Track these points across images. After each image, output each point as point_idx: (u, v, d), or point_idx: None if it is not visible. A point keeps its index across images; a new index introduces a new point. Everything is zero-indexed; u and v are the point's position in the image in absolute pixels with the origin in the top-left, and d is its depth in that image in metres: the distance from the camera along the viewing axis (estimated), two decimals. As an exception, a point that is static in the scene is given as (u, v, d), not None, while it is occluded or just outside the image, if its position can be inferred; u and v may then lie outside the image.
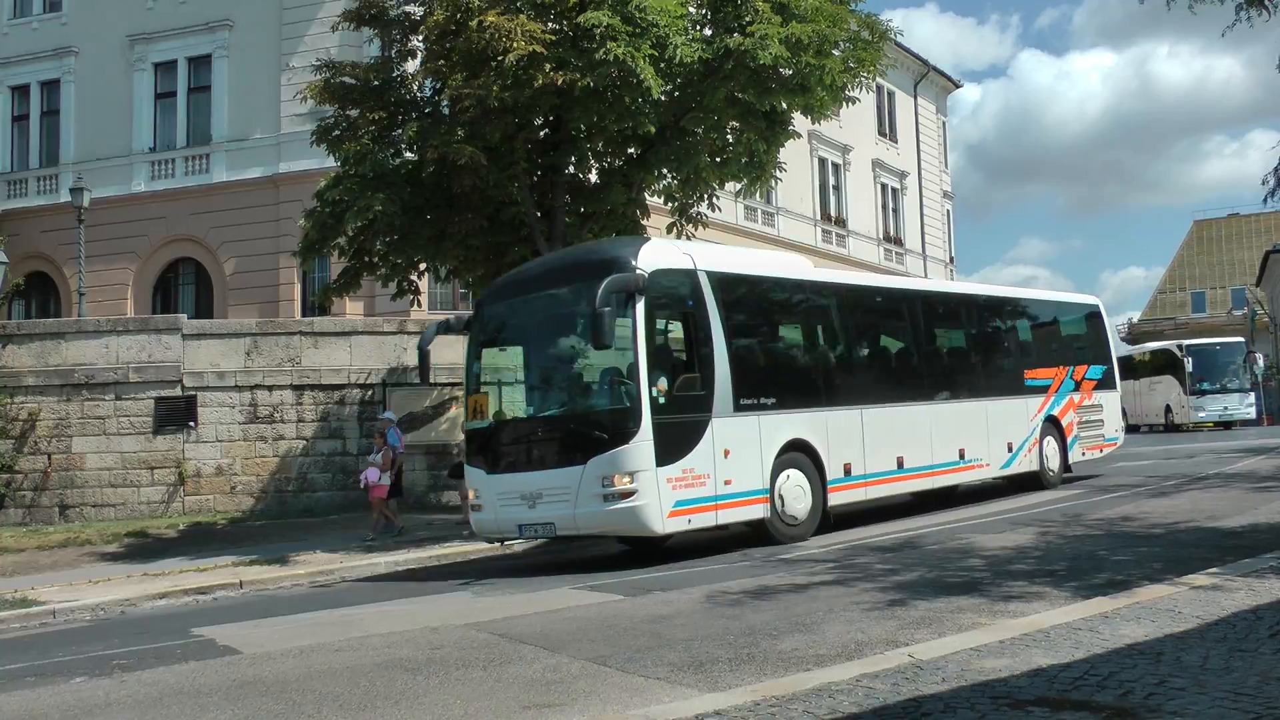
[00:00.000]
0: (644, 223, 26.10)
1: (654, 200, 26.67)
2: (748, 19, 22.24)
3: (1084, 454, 28.06)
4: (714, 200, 26.28)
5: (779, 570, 15.70)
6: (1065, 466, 27.23)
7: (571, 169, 25.20)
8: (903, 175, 66.42)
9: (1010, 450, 25.04)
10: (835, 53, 23.10)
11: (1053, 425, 26.79)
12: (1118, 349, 35.36)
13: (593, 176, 25.76)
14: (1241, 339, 65.52)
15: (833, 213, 60.19)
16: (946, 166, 74.93)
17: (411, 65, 25.29)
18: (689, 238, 26.46)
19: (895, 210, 66.17)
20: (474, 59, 21.85)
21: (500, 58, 21.03)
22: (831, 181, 60.20)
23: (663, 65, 21.65)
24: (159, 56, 43.83)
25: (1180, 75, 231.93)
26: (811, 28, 22.16)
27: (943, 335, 25.40)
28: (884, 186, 65.01)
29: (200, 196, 42.08)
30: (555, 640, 11.36)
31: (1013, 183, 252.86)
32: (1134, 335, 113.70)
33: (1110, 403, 29.60)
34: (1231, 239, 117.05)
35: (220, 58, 43.00)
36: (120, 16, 43.57)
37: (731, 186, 27.11)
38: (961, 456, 23.27)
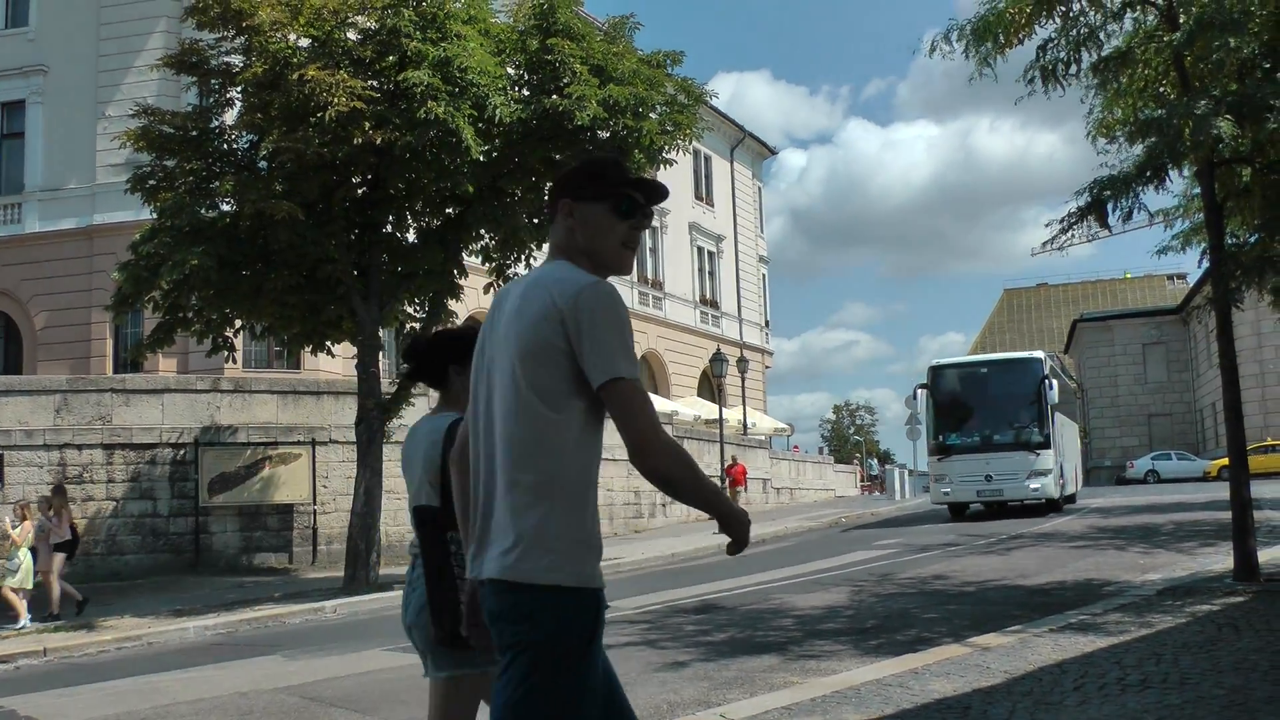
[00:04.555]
0: (461, 283, 26.08)
1: (472, 260, 26.66)
2: (565, 80, 22.40)
3: None
4: (531, 261, 26.31)
5: (594, 631, 15.71)
6: None
7: (390, 228, 25.11)
8: (719, 239, 67.08)
9: None
10: (652, 115, 23.34)
11: None
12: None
13: (411, 236, 25.68)
14: (1041, 354, 39.23)
15: (650, 275, 60.61)
16: (763, 231, 75.90)
17: (230, 116, 25.06)
18: (506, 298, 26.50)
19: (712, 273, 66.83)
20: (293, 113, 21.73)
21: (320, 113, 20.94)
22: (648, 244, 60.53)
23: (482, 125, 21.71)
24: (-31, 101, 42.74)
25: (1002, 148, 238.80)
26: (629, 90, 22.41)
27: None
28: (700, 250, 65.62)
29: (11, 247, 41.01)
30: (366, 703, 11.27)
31: (837, 247, 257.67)
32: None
33: None
34: (1040, 307, 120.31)
35: (34, 103, 42.01)
36: (-72, 60, 42.53)
37: (549, 247, 27.24)
38: None
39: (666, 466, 3.86)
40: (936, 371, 38.04)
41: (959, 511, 37.12)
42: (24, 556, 21.41)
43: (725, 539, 4.02)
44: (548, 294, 3.95)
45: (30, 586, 21.63)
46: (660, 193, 4.30)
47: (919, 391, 38.08)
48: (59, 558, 22.40)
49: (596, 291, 3.96)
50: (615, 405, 3.90)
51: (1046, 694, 9.13)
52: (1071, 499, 40.67)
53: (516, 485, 3.90)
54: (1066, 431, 41.39)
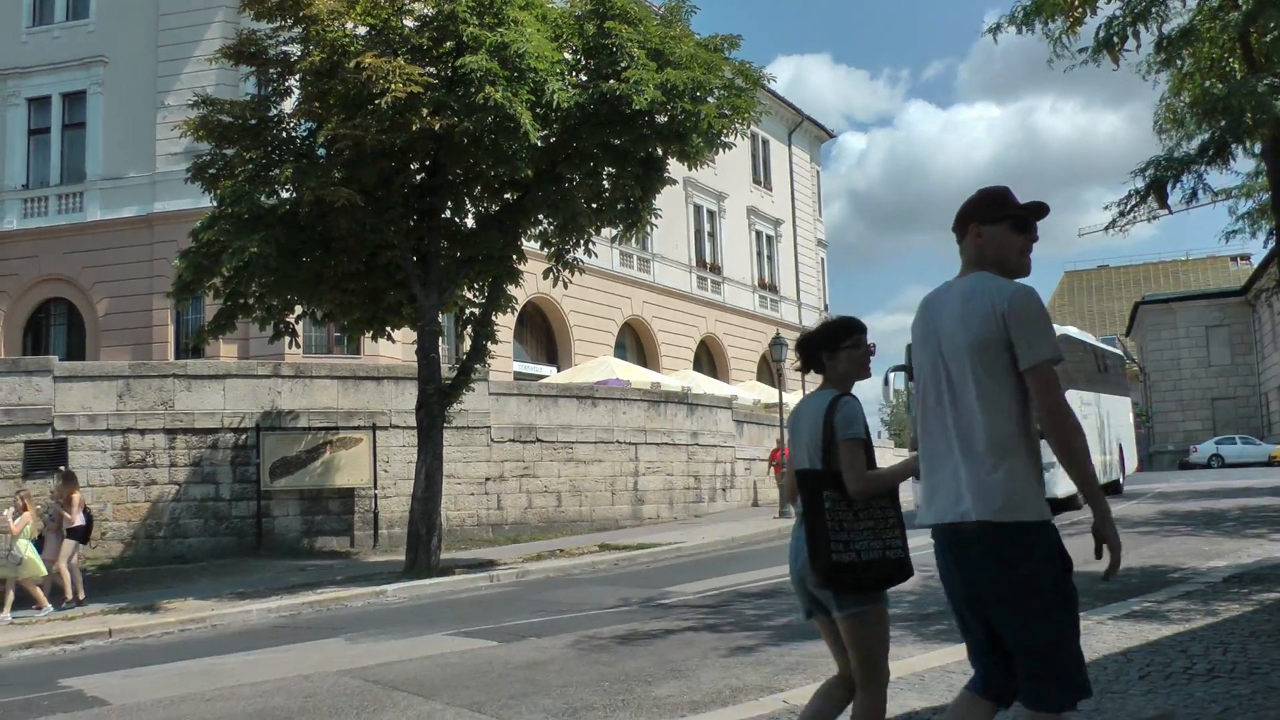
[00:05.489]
0: (520, 267, 26.09)
1: (530, 245, 26.67)
2: (623, 65, 22.33)
3: None
4: (590, 246, 26.30)
5: (654, 616, 15.72)
6: None
7: (448, 213, 25.14)
8: (777, 223, 66.91)
9: None
10: (710, 100, 23.24)
11: None
12: None
13: (469, 221, 25.71)
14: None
15: (708, 259, 60.55)
16: (820, 214, 75.53)
17: (288, 105, 25.13)
18: (566, 284, 26.50)
19: (770, 257, 66.62)
20: (351, 101, 21.76)
21: (377, 100, 20.98)
22: (707, 228, 60.54)
23: (539, 110, 21.70)
24: (33, 91, 43.20)
25: (1064, 129, 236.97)
26: (687, 74, 22.32)
27: None
28: (759, 234, 65.43)
29: (73, 235, 41.50)
30: (429, 687, 11.30)
31: (897, 231, 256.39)
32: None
33: None
34: (1102, 290, 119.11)
35: (95, 94, 42.45)
36: (-7, 51, 42.99)
37: (608, 232, 27.18)
38: None
39: (1071, 437, 4.93)
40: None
41: None
42: (23, 547, 21.52)
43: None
44: (988, 300, 5.08)
45: (43, 573, 21.77)
46: (1043, 211, 5.41)
47: (892, 375, 33.22)
48: (69, 544, 22.49)
49: (1024, 293, 5.10)
50: (1035, 384, 4.97)
51: (1112, 682, 9.03)
52: (1115, 488, 36.83)
53: (984, 446, 5.02)
54: (1104, 409, 36.58)
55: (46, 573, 21.80)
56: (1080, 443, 4.94)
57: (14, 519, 21.58)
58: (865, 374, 6.56)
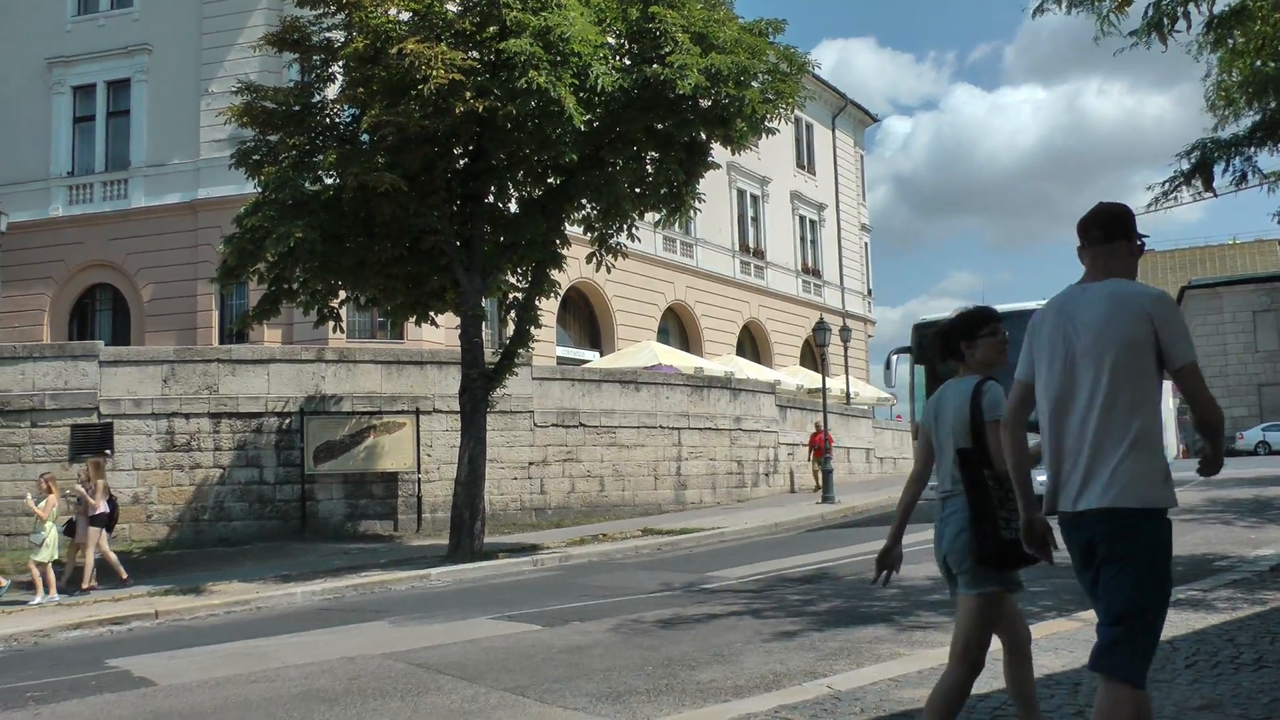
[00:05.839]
0: (564, 252, 26.07)
1: (574, 230, 26.66)
2: (667, 49, 22.25)
3: None
4: (633, 230, 26.27)
5: (697, 601, 15.72)
6: None
7: (492, 198, 25.15)
8: (821, 207, 66.78)
9: None
10: (754, 84, 23.15)
11: None
12: None
13: (513, 206, 25.72)
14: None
15: (751, 244, 60.45)
16: (864, 199, 75.29)
17: (332, 91, 25.19)
18: (609, 269, 26.48)
19: (814, 242, 66.49)
20: (394, 87, 21.77)
21: (420, 86, 20.99)
22: (750, 213, 60.49)
23: (583, 95, 21.66)
24: (77, 80, 43.48)
25: (1111, 111, 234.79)
26: (731, 59, 22.23)
27: None
28: (802, 218, 65.32)
29: (118, 222, 41.77)
30: (473, 670, 11.33)
31: (942, 215, 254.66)
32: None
33: None
34: (1146, 274, 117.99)
35: (139, 82, 42.68)
36: (39, 39, 43.24)
37: (651, 217, 27.13)
38: None
39: (1219, 423, 5.55)
40: (923, 332, 28.45)
41: None
42: (49, 530, 21.51)
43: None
44: (1136, 303, 5.56)
45: (56, 558, 21.71)
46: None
47: (895, 359, 29.96)
48: (94, 531, 22.47)
49: (1168, 298, 5.62)
50: (1186, 381, 5.49)
51: (1158, 671, 8.92)
52: None
53: (1118, 438, 5.49)
54: None
55: (50, 561, 21.75)
56: (1222, 421, 5.58)
57: (37, 503, 21.65)
58: (1004, 361, 6.84)
